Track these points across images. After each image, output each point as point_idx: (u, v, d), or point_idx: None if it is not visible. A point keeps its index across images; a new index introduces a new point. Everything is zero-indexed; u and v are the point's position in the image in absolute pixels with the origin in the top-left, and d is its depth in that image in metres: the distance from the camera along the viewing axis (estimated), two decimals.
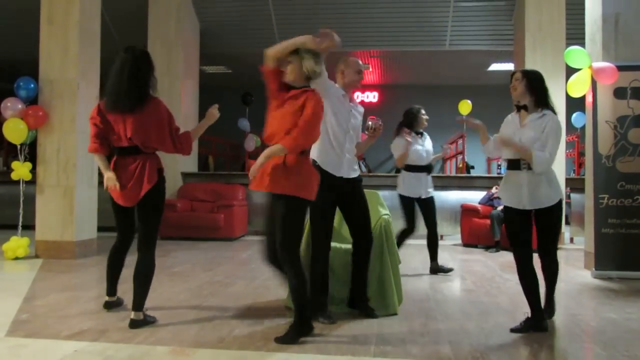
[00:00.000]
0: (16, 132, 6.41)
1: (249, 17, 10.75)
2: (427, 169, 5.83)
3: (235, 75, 14.31)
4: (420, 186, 5.74)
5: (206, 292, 4.67)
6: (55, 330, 3.45)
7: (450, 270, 5.82)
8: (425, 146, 5.85)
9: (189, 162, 10.05)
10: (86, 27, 6.70)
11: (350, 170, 3.96)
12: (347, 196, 3.93)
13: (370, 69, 13.54)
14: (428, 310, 4.15)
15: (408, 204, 5.75)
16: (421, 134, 5.85)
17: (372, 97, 15.82)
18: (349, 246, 4.06)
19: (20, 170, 6.60)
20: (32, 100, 6.62)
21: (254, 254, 7.21)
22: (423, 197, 5.76)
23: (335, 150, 3.85)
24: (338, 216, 4.51)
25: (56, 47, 6.57)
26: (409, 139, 5.65)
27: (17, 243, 6.40)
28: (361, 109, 4.09)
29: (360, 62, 4.05)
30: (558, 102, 8.43)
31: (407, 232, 5.75)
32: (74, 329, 3.49)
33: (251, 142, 11.95)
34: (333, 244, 4.13)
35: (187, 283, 5.08)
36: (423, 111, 5.81)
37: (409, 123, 5.77)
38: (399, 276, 4.24)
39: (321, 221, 3.81)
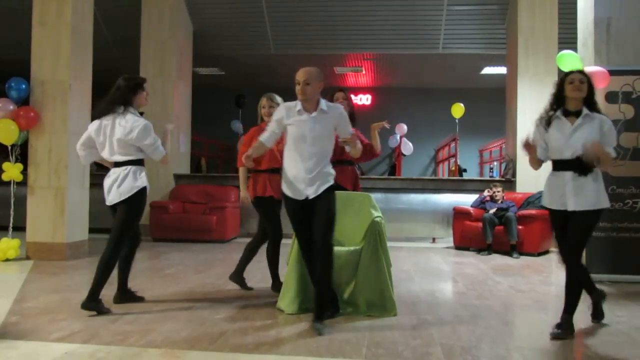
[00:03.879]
0: (7, 133, 6.36)
1: (243, 19, 10.75)
2: (574, 165, 3.68)
3: (229, 77, 14.31)
4: (564, 191, 3.66)
5: (198, 294, 4.66)
6: (46, 333, 3.44)
7: None
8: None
9: (182, 164, 10.03)
10: (78, 28, 6.67)
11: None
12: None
13: (364, 72, 13.57)
14: (420, 313, 4.15)
15: (552, 220, 3.82)
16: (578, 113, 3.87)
17: (365, 99, 15.85)
18: (349, 248, 4.08)
19: (11, 171, 6.56)
20: (23, 101, 6.58)
21: None
22: (570, 209, 3.63)
23: None
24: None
25: (48, 48, 6.54)
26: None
27: (8, 244, 6.36)
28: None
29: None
30: None
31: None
32: (65, 331, 3.48)
33: None
34: (336, 249, 4.12)
35: (179, 285, 5.06)
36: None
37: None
38: (391, 279, 4.24)
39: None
